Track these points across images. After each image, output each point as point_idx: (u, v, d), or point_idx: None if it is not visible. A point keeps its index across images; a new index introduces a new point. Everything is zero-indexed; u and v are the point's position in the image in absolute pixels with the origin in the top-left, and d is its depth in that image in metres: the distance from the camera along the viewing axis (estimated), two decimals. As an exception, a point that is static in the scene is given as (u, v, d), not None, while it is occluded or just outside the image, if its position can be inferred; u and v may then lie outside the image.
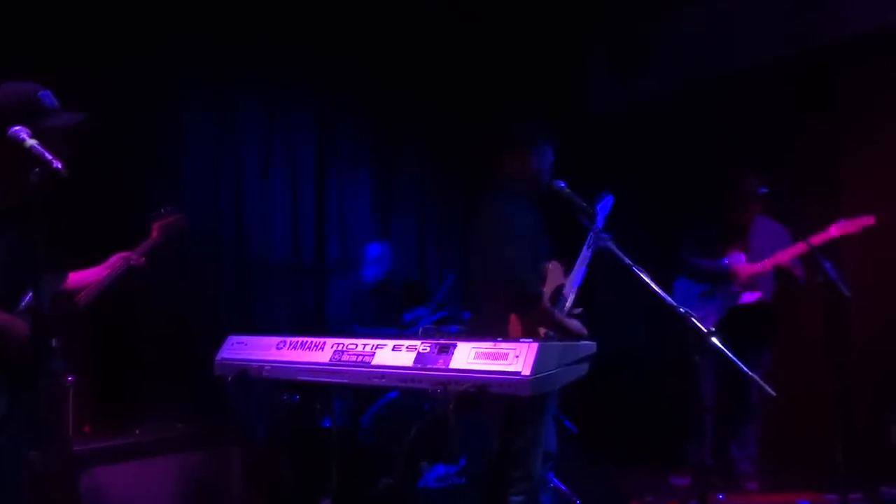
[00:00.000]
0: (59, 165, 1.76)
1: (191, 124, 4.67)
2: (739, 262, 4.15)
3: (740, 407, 4.18)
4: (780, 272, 4.04)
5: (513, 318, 2.69)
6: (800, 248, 3.84)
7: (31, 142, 1.82)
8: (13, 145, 1.84)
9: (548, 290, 2.79)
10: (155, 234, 2.96)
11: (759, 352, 4.11)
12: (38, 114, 1.99)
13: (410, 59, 5.63)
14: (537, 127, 2.93)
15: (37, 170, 1.77)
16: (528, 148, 2.88)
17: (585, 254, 2.80)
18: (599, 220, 2.97)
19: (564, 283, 2.82)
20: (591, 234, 2.74)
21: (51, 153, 1.77)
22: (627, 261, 2.34)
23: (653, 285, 2.19)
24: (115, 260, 2.77)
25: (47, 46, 3.76)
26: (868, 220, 3.76)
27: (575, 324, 2.72)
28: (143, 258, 2.81)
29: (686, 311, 2.07)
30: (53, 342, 2.18)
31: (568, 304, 2.78)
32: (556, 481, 3.53)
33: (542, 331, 2.68)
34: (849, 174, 4.74)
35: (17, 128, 1.86)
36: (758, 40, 5.20)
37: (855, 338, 4.25)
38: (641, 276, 2.24)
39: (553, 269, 2.85)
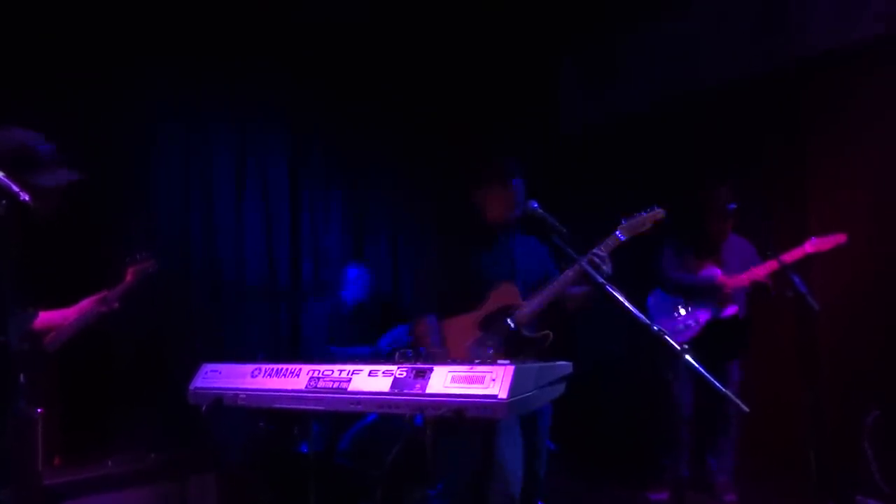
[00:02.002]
0: (27, 198, 1.74)
1: (161, 147, 4.63)
2: (718, 275, 4.19)
3: (717, 419, 4.22)
4: (753, 286, 4.09)
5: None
6: (772, 265, 3.89)
7: (-3, 174, 1.79)
8: None
9: (489, 308, 2.90)
10: (129, 277, 3.08)
11: (734, 365, 4.15)
12: (32, 167, 1.96)
13: (383, 80, 5.65)
14: (504, 164, 3.02)
15: (3, 202, 1.75)
16: (496, 184, 3.00)
17: (565, 274, 2.83)
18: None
19: (515, 305, 2.88)
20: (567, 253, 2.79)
21: (31, 197, 1.75)
22: (601, 279, 2.37)
23: (626, 304, 2.21)
24: (87, 304, 2.75)
25: (13, 69, 3.71)
26: (841, 238, 3.82)
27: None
28: (117, 303, 2.82)
29: (659, 329, 2.09)
30: (21, 377, 2.13)
31: (515, 324, 2.85)
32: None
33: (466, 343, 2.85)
34: (815, 188, 4.83)
35: None
36: (724, 57, 5.32)
37: (824, 349, 4.33)
38: (615, 294, 2.26)
39: (503, 290, 2.92)
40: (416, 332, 2.99)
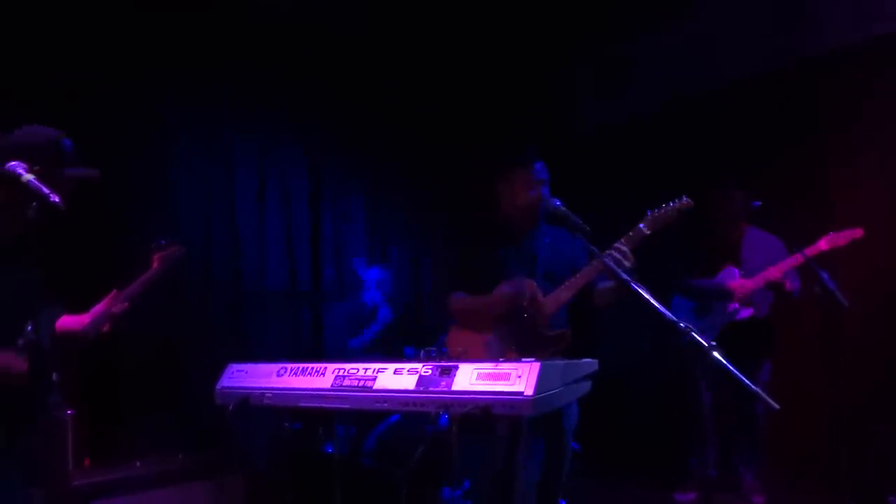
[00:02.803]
0: (57, 199, 1.77)
1: (183, 155, 4.69)
2: (734, 278, 4.16)
3: (743, 420, 4.17)
4: (770, 286, 4.04)
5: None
6: (795, 259, 3.86)
7: (28, 176, 1.83)
8: (10, 180, 1.84)
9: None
10: (156, 265, 2.95)
11: (759, 366, 4.10)
12: (58, 160, 2.03)
13: (400, 85, 5.68)
14: (525, 148, 2.99)
15: (34, 204, 1.78)
16: (510, 173, 2.96)
17: (584, 270, 2.79)
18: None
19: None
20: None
21: (50, 189, 1.78)
22: (625, 276, 2.34)
23: (652, 301, 2.18)
24: (100, 308, 2.70)
25: (39, 78, 3.78)
26: (857, 233, 3.78)
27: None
28: (126, 303, 2.75)
29: (687, 326, 2.06)
30: (54, 376, 2.16)
31: (531, 321, 2.78)
32: None
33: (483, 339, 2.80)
34: (839, 184, 4.77)
35: (14, 163, 1.87)
36: (740, 56, 5.27)
37: (852, 346, 4.26)
38: (640, 291, 2.23)
39: (517, 284, 2.85)
40: (454, 307, 2.95)
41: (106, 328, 2.54)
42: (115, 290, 2.68)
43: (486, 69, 5.88)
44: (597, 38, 6.14)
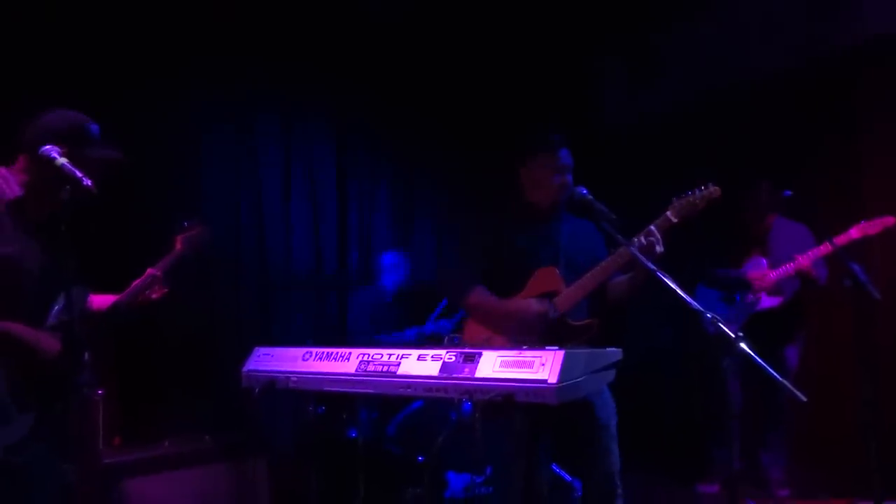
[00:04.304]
0: (90, 183, 1.80)
1: (211, 143, 4.74)
2: (761, 268, 4.12)
3: (769, 413, 4.13)
4: (800, 274, 4.00)
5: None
6: (824, 249, 3.81)
7: (62, 160, 1.87)
8: (45, 163, 1.88)
9: (529, 294, 2.77)
10: (179, 246, 2.95)
11: (785, 356, 4.06)
12: (85, 142, 2.07)
13: (426, 71, 5.67)
14: (550, 133, 2.92)
15: (67, 187, 1.82)
16: (532, 157, 2.90)
17: (609, 259, 2.74)
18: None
19: (557, 291, 2.75)
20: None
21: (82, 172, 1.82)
22: (652, 266, 2.31)
23: (679, 291, 2.16)
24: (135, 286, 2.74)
25: (72, 70, 3.84)
26: (888, 221, 3.72)
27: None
28: (162, 280, 2.79)
29: (713, 316, 2.03)
30: (86, 356, 2.21)
31: (556, 311, 2.72)
32: (556, 468, 3.50)
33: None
34: (873, 176, 4.68)
35: (48, 147, 1.90)
36: (773, 47, 5.15)
37: (884, 338, 4.19)
38: (667, 281, 2.21)
39: (544, 275, 2.79)
40: (470, 303, 2.86)
41: (136, 305, 2.60)
42: (149, 271, 2.74)
43: (515, 56, 5.83)
44: (629, 27, 6.04)
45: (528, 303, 2.72)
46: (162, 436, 3.75)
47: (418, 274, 5.02)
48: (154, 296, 2.79)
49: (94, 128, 2.14)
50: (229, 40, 4.70)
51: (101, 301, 2.63)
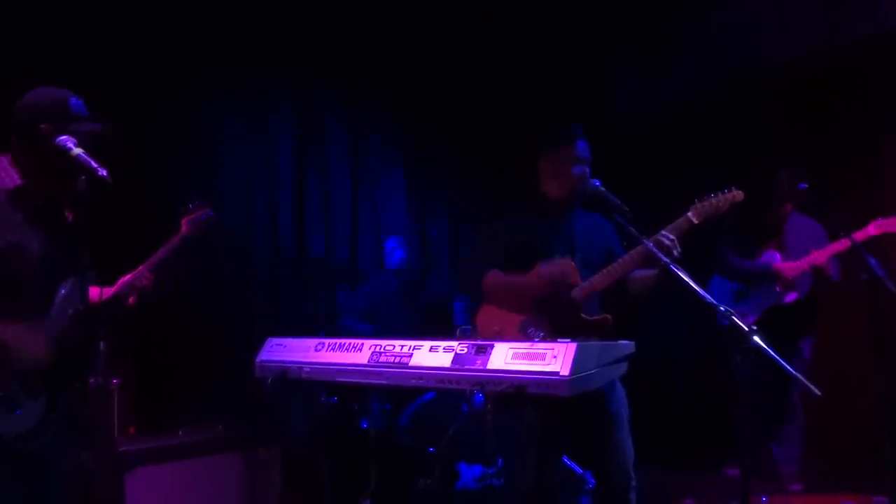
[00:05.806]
0: (105, 173, 1.81)
1: (225, 130, 4.76)
2: (775, 261, 4.08)
3: (782, 407, 4.11)
4: (815, 270, 3.96)
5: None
6: (842, 244, 3.77)
7: (78, 150, 1.88)
8: (60, 153, 1.89)
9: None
10: (184, 228, 2.90)
11: (799, 351, 4.03)
12: (66, 118, 2.03)
13: (442, 61, 5.65)
14: (568, 124, 2.90)
15: (82, 177, 1.83)
16: (550, 150, 2.88)
17: (629, 254, 2.71)
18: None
19: (573, 283, 2.72)
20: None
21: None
22: (665, 259, 2.31)
23: (692, 284, 2.15)
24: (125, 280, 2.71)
25: (88, 59, 3.86)
26: None
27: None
28: (151, 276, 2.73)
29: (727, 310, 2.03)
30: (101, 345, 2.22)
31: (571, 303, 2.70)
32: (567, 460, 3.49)
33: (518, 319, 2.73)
34: (891, 169, 4.62)
35: (64, 137, 1.91)
36: (790, 37, 5.08)
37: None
38: (680, 274, 2.20)
39: (560, 266, 2.75)
40: (487, 284, 2.82)
41: (132, 301, 2.59)
42: (142, 266, 2.71)
43: (531, 46, 5.81)
44: (643, 17, 6.00)
45: (543, 267, 2.71)
46: (176, 425, 3.80)
47: (432, 261, 5.03)
48: (140, 283, 2.71)
49: (78, 102, 2.09)
50: (245, 24, 4.70)
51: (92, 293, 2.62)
